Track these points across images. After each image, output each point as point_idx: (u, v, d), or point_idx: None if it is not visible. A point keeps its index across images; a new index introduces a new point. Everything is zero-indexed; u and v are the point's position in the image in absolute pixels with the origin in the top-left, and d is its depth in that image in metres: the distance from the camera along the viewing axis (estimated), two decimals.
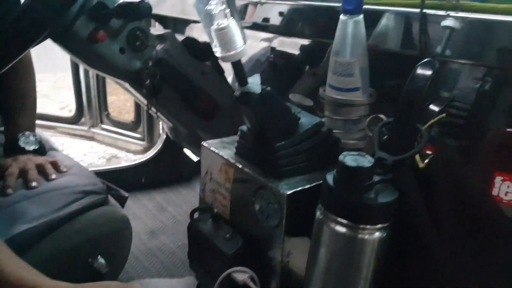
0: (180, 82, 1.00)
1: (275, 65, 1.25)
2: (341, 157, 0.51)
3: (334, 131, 0.76)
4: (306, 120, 0.67)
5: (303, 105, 1.09)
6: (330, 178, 0.52)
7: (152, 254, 1.30)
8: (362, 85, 0.72)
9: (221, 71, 1.10)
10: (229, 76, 1.36)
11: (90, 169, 1.67)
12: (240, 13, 1.04)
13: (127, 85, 1.00)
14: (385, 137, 0.58)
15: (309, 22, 0.87)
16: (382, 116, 0.66)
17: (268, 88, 0.61)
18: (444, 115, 0.57)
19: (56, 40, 0.87)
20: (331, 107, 0.76)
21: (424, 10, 0.66)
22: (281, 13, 0.92)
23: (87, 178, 0.94)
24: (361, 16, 0.69)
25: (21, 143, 0.95)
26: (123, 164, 1.66)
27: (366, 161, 0.50)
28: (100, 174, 1.56)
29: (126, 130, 1.81)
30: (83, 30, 0.84)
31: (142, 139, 1.73)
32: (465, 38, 0.63)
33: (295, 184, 0.62)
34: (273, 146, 0.63)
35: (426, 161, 0.56)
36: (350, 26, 0.69)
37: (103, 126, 1.91)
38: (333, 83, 0.74)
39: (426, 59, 0.56)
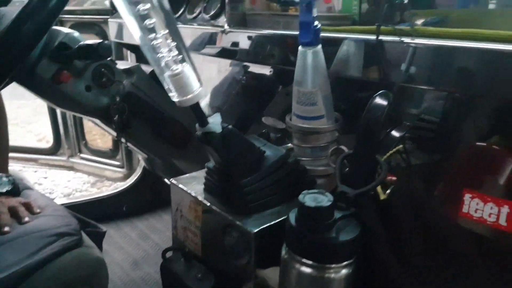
0: (150, 114, 1.00)
1: (248, 86, 1.25)
2: (300, 197, 0.51)
3: (302, 158, 0.76)
4: (272, 152, 0.67)
5: (276, 128, 1.10)
6: (292, 217, 0.52)
7: (136, 285, 1.28)
8: (326, 113, 0.73)
9: None
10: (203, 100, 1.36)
11: (70, 200, 1.66)
12: (210, 40, 1.03)
13: (97, 120, 1.00)
14: (347, 169, 0.58)
15: (274, 49, 0.87)
16: (343, 147, 0.66)
17: (230, 127, 0.61)
18: (401, 146, 0.57)
19: (20, 82, 0.86)
20: (298, 135, 0.77)
21: (380, 37, 0.67)
22: (248, 41, 0.92)
23: (61, 219, 0.92)
24: (319, 46, 0.69)
25: None
26: (104, 193, 1.64)
27: (326, 199, 0.50)
28: (80, 205, 1.56)
29: (105, 158, 1.79)
30: (47, 72, 0.84)
31: (121, 166, 1.72)
32: (420, 64, 0.64)
33: (263, 220, 0.62)
34: (238, 183, 0.63)
35: (388, 191, 0.56)
36: (309, 57, 0.70)
37: (82, 155, 1.89)
38: (297, 112, 0.75)
39: (380, 91, 0.56)
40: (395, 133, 0.65)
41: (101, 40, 0.80)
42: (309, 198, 0.50)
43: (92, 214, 1.56)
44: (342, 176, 0.57)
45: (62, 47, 0.83)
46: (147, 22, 0.50)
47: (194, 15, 1.11)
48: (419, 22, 0.81)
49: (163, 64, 0.53)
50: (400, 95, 0.71)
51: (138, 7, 0.49)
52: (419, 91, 0.67)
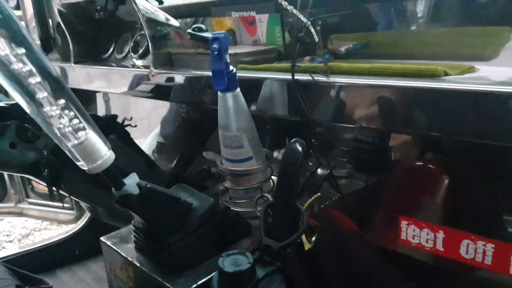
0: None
1: (188, 120, 1.23)
2: (220, 261, 0.49)
3: (237, 201, 0.75)
4: (199, 203, 0.65)
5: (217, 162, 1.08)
6: (214, 282, 0.50)
7: None
8: (254, 154, 0.72)
9: (128, 141, 1.07)
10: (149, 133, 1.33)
11: (21, 249, 1.58)
12: (139, 80, 1.00)
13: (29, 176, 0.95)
14: (271, 219, 0.57)
15: (200, 91, 0.85)
16: (268, 195, 0.65)
17: (148, 185, 0.59)
18: (319, 194, 0.56)
19: None
20: (230, 178, 0.75)
21: (297, 77, 0.66)
22: (174, 82, 0.90)
23: None
24: (238, 89, 0.69)
25: None
26: (55, 238, 1.57)
27: (246, 261, 0.49)
28: (31, 254, 1.49)
29: (54, 201, 1.72)
30: None
31: (71, 208, 1.65)
32: (335, 101, 0.64)
33: (195, 278, 0.60)
34: (164, 243, 0.60)
35: (313, 239, 0.56)
36: (229, 101, 0.68)
37: (30, 200, 1.81)
38: (226, 155, 0.73)
39: (293, 139, 0.56)
40: (320, 172, 0.65)
41: (14, 102, 0.76)
42: (229, 262, 0.49)
43: (45, 261, 1.50)
44: (266, 228, 0.56)
45: None
46: (39, 96, 0.47)
47: (123, 54, 1.08)
48: (343, 48, 0.83)
49: (62, 135, 0.50)
50: (324, 133, 0.71)
51: (29, 81, 0.46)
52: (341, 128, 0.67)
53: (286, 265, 0.52)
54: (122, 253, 0.67)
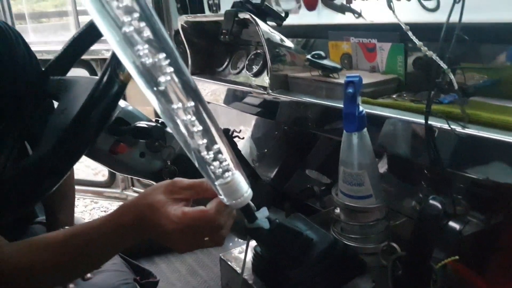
0: (199, 173, 1.03)
1: (290, 135, 1.26)
2: None
3: (351, 236, 0.76)
4: (319, 238, 0.67)
5: (321, 182, 1.10)
6: None
7: None
8: (374, 192, 0.72)
9: (236, 152, 1.12)
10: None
11: None
12: (252, 98, 1.04)
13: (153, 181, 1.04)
14: (400, 271, 0.58)
15: (315, 119, 0.87)
16: (395, 245, 0.65)
17: (277, 221, 0.62)
18: (457, 257, 0.55)
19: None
20: (346, 212, 0.76)
21: (430, 122, 0.65)
22: (289, 106, 0.93)
23: (118, 275, 0.96)
24: (365, 129, 0.69)
25: None
26: None
27: None
28: None
29: None
30: (105, 144, 0.89)
31: None
32: (471, 154, 0.61)
33: None
34: (286, 275, 0.64)
35: None
36: (354, 140, 0.69)
37: (135, 188, 1.98)
38: (344, 190, 0.74)
39: (432, 196, 0.55)
40: (453, 225, 0.63)
41: (154, 124, 0.84)
42: None
43: (145, 247, 1.64)
44: (394, 280, 0.57)
45: (119, 122, 0.88)
46: (198, 142, 0.52)
47: (237, 70, 1.13)
48: (471, 84, 0.79)
49: (213, 175, 0.55)
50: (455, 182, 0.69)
51: (192, 129, 0.51)
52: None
53: None
54: (243, 275, 0.72)
